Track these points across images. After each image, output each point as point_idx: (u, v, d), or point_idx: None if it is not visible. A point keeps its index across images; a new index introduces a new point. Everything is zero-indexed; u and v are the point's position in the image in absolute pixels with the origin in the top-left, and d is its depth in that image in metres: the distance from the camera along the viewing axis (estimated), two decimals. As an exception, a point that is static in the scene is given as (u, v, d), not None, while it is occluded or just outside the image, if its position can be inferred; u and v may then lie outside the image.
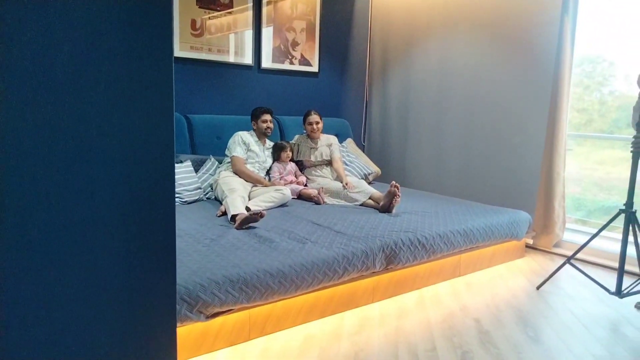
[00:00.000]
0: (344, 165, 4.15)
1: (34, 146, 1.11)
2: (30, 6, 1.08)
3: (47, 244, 1.15)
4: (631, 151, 2.61)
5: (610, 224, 2.75)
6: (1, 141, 1.07)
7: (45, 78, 1.11)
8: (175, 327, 1.40)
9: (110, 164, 1.22)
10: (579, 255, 3.44)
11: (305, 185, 3.88)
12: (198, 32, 3.96)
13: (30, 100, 1.10)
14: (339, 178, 3.89)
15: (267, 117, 3.75)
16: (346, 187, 3.67)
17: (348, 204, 3.61)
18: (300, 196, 3.74)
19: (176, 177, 3.39)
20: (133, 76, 1.22)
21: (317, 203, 3.58)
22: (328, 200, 3.65)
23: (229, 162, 3.66)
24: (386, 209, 3.37)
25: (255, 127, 3.79)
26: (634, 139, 2.59)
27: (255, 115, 3.77)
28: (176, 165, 3.46)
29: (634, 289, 2.67)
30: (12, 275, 1.12)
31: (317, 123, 3.97)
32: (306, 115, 4.01)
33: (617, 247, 3.50)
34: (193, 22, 3.92)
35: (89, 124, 1.18)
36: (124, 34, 1.20)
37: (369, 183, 4.28)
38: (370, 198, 3.58)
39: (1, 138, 1.07)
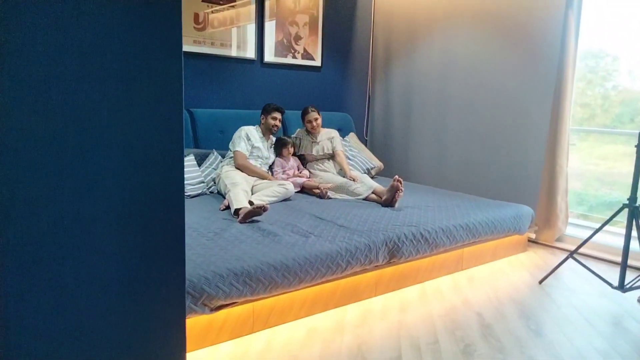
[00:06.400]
0: (347, 160, 4.15)
1: (44, 139, 1.11)
2: (40, 1, 1.08)
3: (57, 237, 1.16)
4: (635, 146, 2.61)
5: (613, 219, 2.76)
6: (12, 134, 1.07)
7: (55, 71, 1.12)
8: (184, 317, 1.41)
9: (121, 157, 1.23)
10: (581, 250, 3.44)
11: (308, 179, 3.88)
12: (201, 26, 3.95)
13: (41, 93, 1.10)
14: (342, 171, 3.89)
15: (278, 115, 3.77)
16: (351, 180, 3.67)
17: (351, 198, 3.62)
18: (303, 188, 3.74)
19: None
20: (143, 70, 1.23)
21: (321, 197, 3.59)
22: (331, 194, 3.65)
23: (231, 157, 3.66)
24: (389, 203, 3.37)
25: (263, 122, 3.79)
26: None
27: (267, 110, 3.77)
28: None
29: (637, 284, 2.67)
30: (23, 268, 1.12)
31: (316, 119, 3.96)
32: (304, 112, 4.00)
33: (619, 242, 3.50)
34: (196, 16, 3.91)
35: (99, 116, 1.18)
36: (134, 29, 1.20)
37: (372, 177, 4.28)
38: (373, 192, 3.58)
39: (12, 131, 1.07)
